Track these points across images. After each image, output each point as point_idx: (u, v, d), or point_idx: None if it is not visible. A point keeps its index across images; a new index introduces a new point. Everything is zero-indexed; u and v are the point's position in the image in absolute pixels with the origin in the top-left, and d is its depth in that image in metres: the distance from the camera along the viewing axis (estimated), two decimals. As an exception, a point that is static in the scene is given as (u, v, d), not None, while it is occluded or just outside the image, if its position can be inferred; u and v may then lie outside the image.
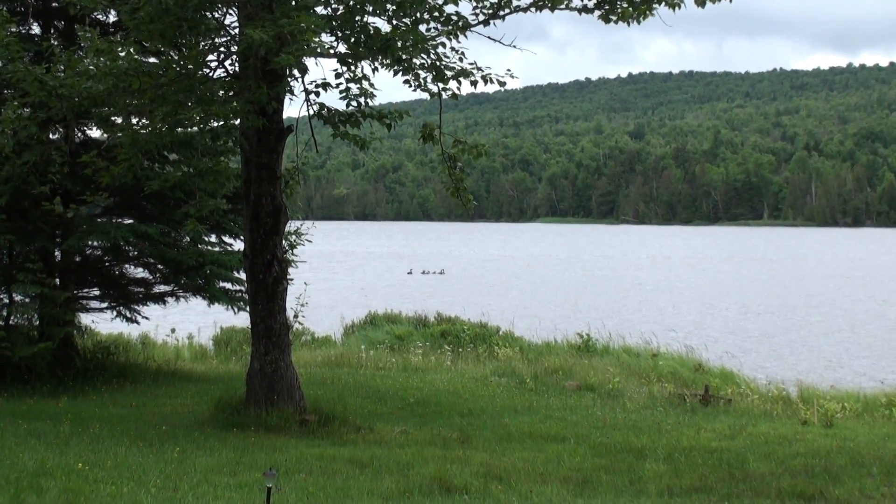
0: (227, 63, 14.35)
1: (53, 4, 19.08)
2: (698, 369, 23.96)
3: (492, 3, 14.12)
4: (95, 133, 19.53)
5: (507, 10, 14.17)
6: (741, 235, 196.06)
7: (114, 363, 20.04)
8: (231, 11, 14.16)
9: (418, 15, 13.58)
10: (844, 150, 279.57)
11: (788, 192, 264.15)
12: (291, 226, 19.96)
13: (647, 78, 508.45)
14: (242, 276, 19.50)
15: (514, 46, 14.06)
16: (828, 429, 16.43)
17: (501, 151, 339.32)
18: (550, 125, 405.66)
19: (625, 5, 14.06)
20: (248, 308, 15.98)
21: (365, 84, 13.34)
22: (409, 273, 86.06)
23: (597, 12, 14.19)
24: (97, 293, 20.50)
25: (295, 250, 20.47)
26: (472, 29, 13.91)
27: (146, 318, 21.32)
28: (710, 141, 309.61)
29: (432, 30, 13.67)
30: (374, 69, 13.95)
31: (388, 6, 13.25)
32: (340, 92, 13.42)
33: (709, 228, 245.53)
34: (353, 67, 13.56)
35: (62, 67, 14.52)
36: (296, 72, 13.40)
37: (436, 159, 17.15)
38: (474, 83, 13.85)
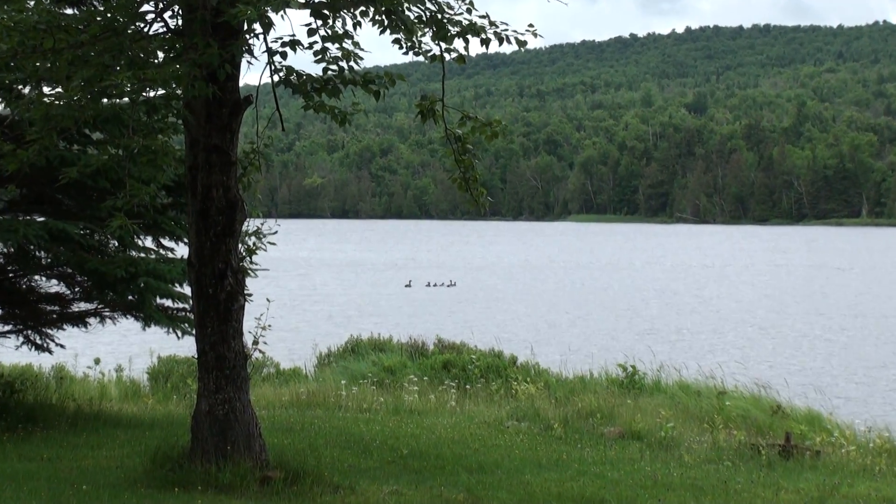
0: (166, 15, 14.35)
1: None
2: (777, 412, 23.90)
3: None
4: (-3, 106, 19.55)
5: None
6: (832, 238, 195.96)
7: (19, 404, 20.01)
8: (172, -53, 14.17)
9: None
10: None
11: (894, 181, 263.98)
12: (250, 225, 19.92)
13: (710, 34, 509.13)
14: (187, 290, 19.46)
15: (538, -7, 14.04)
16: (945, 489, 16.39)
17: (522, 130, 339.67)
18: (585, 95, 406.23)
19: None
20: (193, 332, 15.97)
21: (347, 43, 13.31)
22: (408, 286, 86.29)
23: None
24: (-2, 312, 20.51)
25: (254, 257, 20.44)
26: (484, -29, 13.91)
27: (62, 345, 21.28)
28: (793, 116, 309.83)
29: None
30: (357, 24, 13.94)
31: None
32: (315, 53, 13.39)
33: (790, 229, 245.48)
34: (330, 21, 13.55)
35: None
36: (256, 26, 13.40)
37: (437, 140, 17.13)
38: (486, 42, 13.81)
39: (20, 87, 16.22)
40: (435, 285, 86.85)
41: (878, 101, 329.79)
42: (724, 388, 25.73)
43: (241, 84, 14.94)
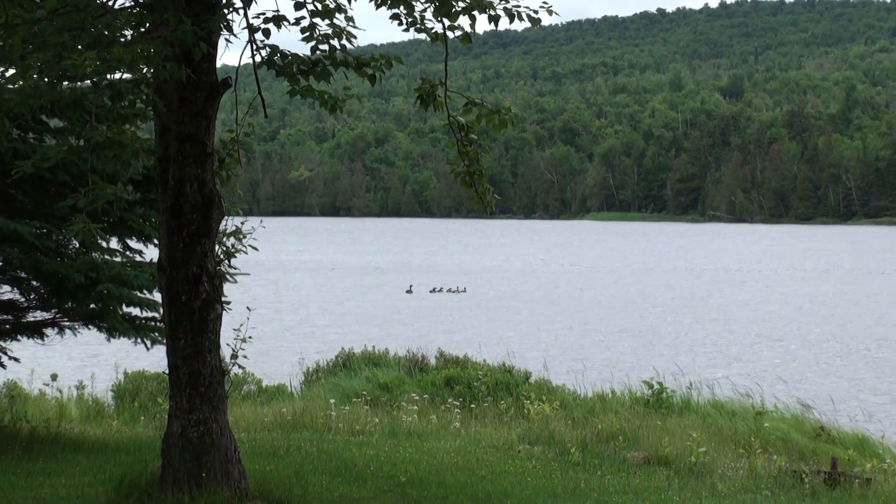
0: (134, -13, 14.34)
1: None
2: (821, 434, 23.91)
3: None
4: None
5: None
6: (885, 238, 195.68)
7: (-32, 425, 20.04)
8: None
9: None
10: None
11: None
12: (228, 224, 19.92)
13: (748, 9, 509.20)
14: (156, 297, 19.45)
15: (553, -37, 14.04)
16: None
17: (535, 117, 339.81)
18: (606, 78, 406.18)
19: None
20: (164, 344, 15.97)
21: (339, 19, 13.30)
22: (409, 291, 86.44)
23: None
24: (-56, 323, 20.50)
25: (233, 260, 20.44)
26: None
27: (15, 358, 21.25)
28: (840, 101, 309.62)
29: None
30: (350, -3, 13.93)
31: None
32: (302, 31, 13.39)
33: (837, 228, 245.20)
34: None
35: None
36: (236, 0, 13.40)
37: (439, 128, 17.10)
38: (494, 19, 13.79)
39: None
40: (440, 291, 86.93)
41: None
42: (763, 408, 25.73)
43: (218, 65, 14.92)
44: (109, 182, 16.01)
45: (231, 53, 14.61)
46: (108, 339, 20.86)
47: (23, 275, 19.73)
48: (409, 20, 13.94)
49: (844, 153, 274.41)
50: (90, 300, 19.58)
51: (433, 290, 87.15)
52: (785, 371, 45.78)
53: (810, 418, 26.13)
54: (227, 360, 18.58)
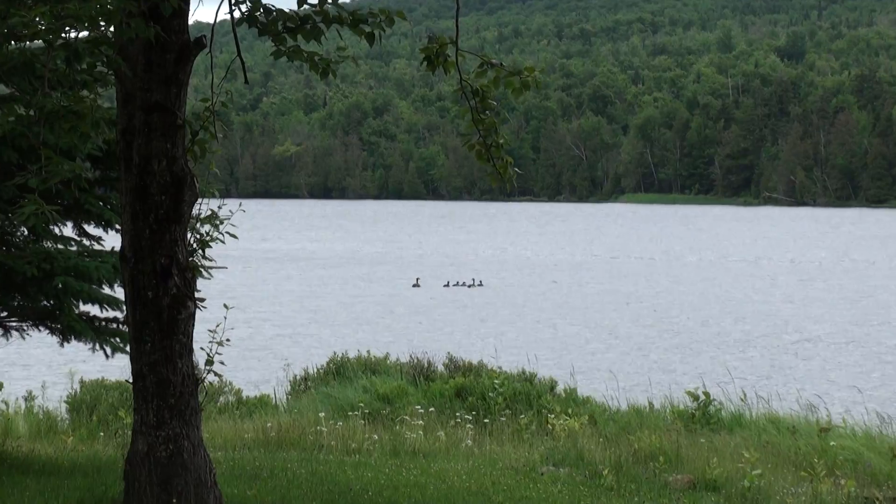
0: (93, -69, 14.35)
1: None
2: (898, 455, 23.89)
3: None
4: None
5: None
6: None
7: None
8: None
9: None
10: None
11: None
12: (202, 208, 19.95)
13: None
14: (119, 292, 19.49)
15: None
16: None
17: (560, 82, 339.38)
18: (643, 37, 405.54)
19: None
20: (127, 348, 15.99)
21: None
22: (416, 285, 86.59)
23: None
24: None
25: (208, 250, 20.47)
26: None
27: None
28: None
29: None
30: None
31: None
32: (287, -20, 13.40)
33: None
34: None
35: None
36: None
37: (448, 95, 17.08)
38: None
39: None
40: (456, 285, 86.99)
41: None
42: (829, 423, 25.71)
43: (191, 22, 14.91)
44: (66, 158, 15.97)
45: (205, 9, 14.61)
46: (62, 343, 20.88)
47: (-38, 268, 19.75)
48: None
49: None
50: (43, 296, 19.61)
51: (446, 285, 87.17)
52: (856, 379, 45.75)
53: (887, 435, 26.09)
54: (201, 366, 18.64)
